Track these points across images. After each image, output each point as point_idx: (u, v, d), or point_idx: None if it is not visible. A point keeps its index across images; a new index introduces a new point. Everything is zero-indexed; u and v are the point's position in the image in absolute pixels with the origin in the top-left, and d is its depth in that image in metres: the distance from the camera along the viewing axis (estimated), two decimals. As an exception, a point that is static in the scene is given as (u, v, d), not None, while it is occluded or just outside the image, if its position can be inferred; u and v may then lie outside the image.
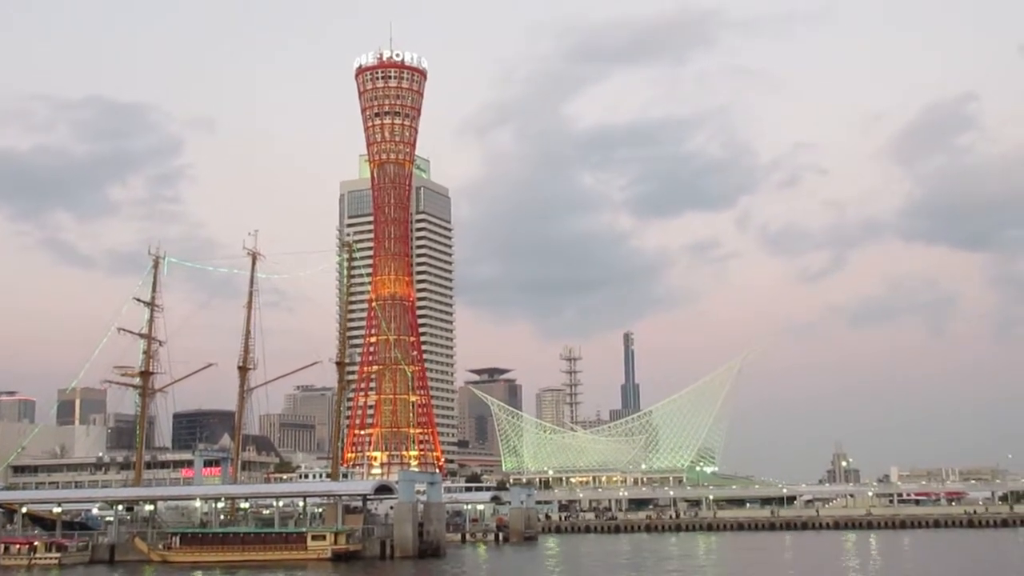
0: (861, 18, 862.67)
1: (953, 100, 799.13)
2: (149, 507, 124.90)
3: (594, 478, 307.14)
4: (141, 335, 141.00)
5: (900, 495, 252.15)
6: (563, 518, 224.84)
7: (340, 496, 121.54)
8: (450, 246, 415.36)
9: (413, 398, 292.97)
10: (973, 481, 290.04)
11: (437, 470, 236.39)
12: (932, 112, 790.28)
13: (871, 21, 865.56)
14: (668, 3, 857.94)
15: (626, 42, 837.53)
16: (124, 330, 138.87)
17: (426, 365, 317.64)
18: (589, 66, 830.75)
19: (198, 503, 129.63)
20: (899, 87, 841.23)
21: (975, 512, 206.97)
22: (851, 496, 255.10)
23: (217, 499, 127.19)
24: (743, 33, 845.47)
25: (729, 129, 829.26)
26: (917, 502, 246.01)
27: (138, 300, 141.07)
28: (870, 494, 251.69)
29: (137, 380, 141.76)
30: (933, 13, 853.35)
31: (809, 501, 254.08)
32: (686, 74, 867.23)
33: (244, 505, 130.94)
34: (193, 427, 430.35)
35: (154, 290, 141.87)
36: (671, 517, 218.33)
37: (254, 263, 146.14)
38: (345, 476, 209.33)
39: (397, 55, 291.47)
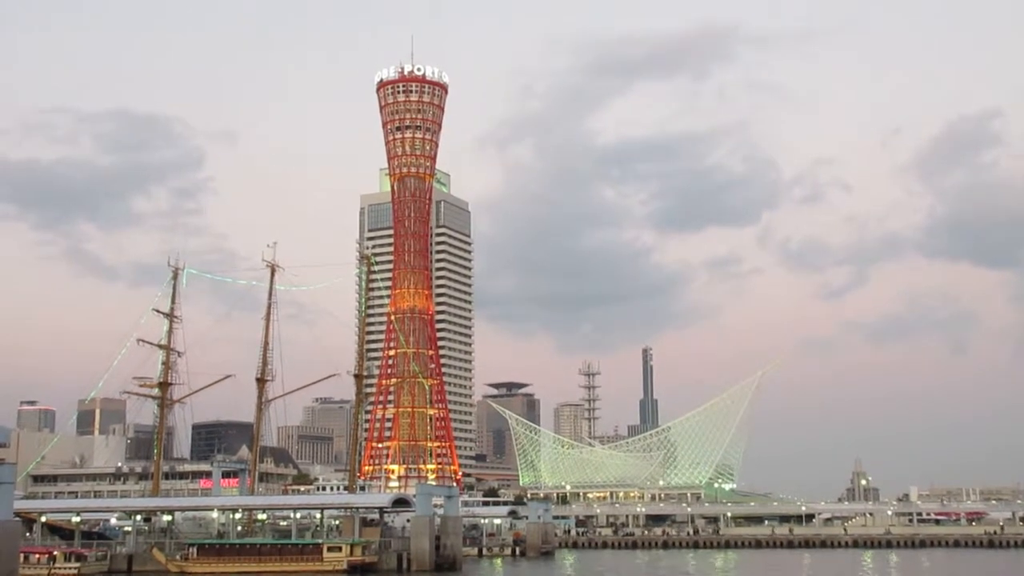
0: (883, 33, 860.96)
1: (977, 116, 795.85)
2: (167, 518, 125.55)
3: (611, 494, 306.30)
4: (160, 346, 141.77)
5: (920, 514, 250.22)
6: (580, 533, 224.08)
7: (357, 509, 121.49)
8: (469, 260, 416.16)
9: (431, 411, 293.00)
10: (993, 501, 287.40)
11: (454, 484, 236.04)
12: (955, 128, 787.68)
13: (893, 36, 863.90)
14: (688, 17, 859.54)
15: (646, 56, 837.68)
16: (143, 341, 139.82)
17: (444, 379, 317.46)
18: (609, 80, 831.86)
19: (216, 514, 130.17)
20: (922, 103, 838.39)
21: (996, 532, 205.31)
22: (870, 515, 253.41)
23: (235, 510, 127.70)
24: (763, 48, 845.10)
25: (750, 144, 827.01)
26: (937, 521, 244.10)
27: (157, 311, 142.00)
28: (889, 513, 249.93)
29: (156, 391, 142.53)
30: (956, 28, 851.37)
31: (828, 519, 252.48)
32: (706, 89, 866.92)
33: (262, 517, 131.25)
34: (211, 438, 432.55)
35: (173, 301, 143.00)
36: (689, 534, 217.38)
37: (273, 275, 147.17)
38: (362, 489, 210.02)
39: (418, 69, 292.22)
